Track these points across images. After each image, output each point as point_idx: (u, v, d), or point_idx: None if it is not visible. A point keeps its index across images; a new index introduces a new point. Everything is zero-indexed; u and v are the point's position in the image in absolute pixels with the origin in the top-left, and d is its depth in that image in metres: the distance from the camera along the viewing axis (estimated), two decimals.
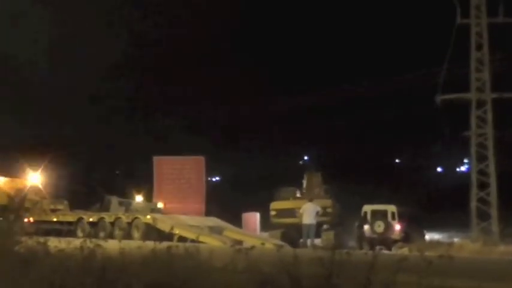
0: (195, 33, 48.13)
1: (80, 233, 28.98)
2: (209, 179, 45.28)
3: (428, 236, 35.65)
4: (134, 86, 53.98)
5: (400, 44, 51.78)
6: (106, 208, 32.20)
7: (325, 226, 31.76)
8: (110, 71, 49.70)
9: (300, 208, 29.38)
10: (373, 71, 47.99)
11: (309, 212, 27.96)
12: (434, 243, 27.76)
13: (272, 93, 53.31)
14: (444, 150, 46.52)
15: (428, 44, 45.83)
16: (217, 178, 60.27)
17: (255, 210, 36.40)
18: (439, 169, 60.12)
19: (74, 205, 33.90)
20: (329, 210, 32.60)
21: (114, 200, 32.80)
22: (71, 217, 31.70)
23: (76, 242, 11.31)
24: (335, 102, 47.71)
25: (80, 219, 31.00)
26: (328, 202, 32.94)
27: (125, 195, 34.59)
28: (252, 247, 10.04)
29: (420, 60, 44.08)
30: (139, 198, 34.34)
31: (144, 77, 53.14)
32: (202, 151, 38.71)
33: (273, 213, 33.93)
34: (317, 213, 28.21)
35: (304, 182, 35.12)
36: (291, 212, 32.64)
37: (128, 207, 32.24)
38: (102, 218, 30.25)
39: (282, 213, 33.30)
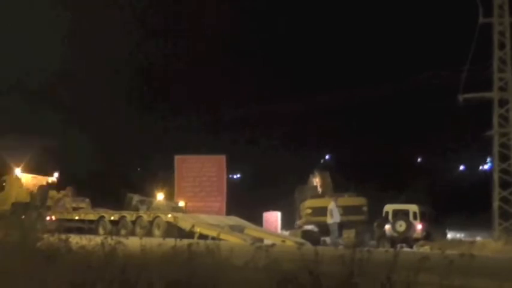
0: (214, 31, 48.17)
1: (101, 231, 29.13)
2: (230, 176, 45.25)
3: (450, 235, 35.48)
4: (155, 84, 54.17)
5: (423, 43, 51.44)
6: (127, 206, 32.38)
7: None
8: (129, 68, 49.99)
9: (338, 206, 29.40)
10: (396, 70, 47.84)
11: (335, 211, 28.00)
12: (456, 242, 27.61)
13: (295, 90, 53.30)
14: (466, 149, 46.23)
15: (451, 42, 45.51)
16: (238, 176, 60.21)
17: (276, 208, 36.39)
18: (461, 168, 59.75)
19: (95, 203, 34.09)
20: (364, 208, 32.56)
21: (136, 198, 32.94)
22: (92, 215, 31.88)
23: (97, 239, 11.35)
24: (357, 101, 47.55)
25: (102, 217, 31.18)
26: (363, 200, 32.89)
27: (147, 193, 34.72)
28: (273, 245, 10.05)
29: (442, 59, 43.84)
30: (160, 197, 34.45)
31: (165, 75, 53.23)
32: (223, 148, 38.79)
33: (308, 211, 33.65)
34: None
35: (316, 181, 34.98)
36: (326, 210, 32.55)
37: (149, 205, 32.38)
38: (123, 217, 30.42)
39: (318, 211, 33.06)
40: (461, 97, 34.14)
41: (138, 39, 49.92)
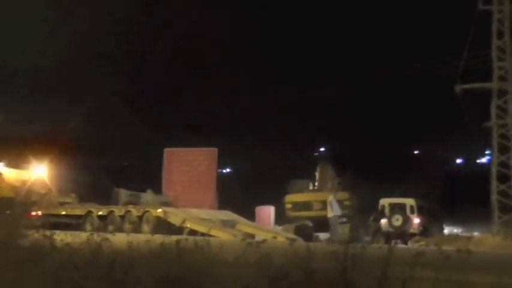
0: (200, 27, 48.30)
1: (88, 227, 29.05)
2: (220, 171, 45.26)
3: (447, 230, 35.56)
4: (143, 78, 54.09)
5: (419, 31, 51.34)
6: (116, 201, 32.30)
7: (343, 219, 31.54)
8: (117, 61, 49.95)
9: (317, 201, 29.50)
10: (391, 60, 47.76)
11: (335, 204, 28.13)
12: (453, 238, 27.69)
13: (288, 82, 53.19)
14: (464, 141, 46.32)
15: (448, 31, 45.44)
16: (229, 170, 60.18)
17: (269, 203, 36.42)
18: (459, 161, 59.91)
19: (82, 198, 34.00)
20: (347, 203, 32.60)
21: (124, 193, 32.87)
22: (79, 210, 31.81)
23: (83, 236, 11.34)
24: (351, 92, 47.54)
25: (89, 212, 31.10)
26: (345, 195, 32.93)
27: (134, 187, 34.65)
28: (264, 241, 10.06)
29: (440, 48, 43.82)
30: (149, 191, 34.39)
31: (151, 70, 53.21)
32: (214, 142, 38.68)
33: (288, 206, 33.96)
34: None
35: (317, 175, 35.13)
36: (306, 205, 32.69)
37: (137, 200, 32.31)
38: (111, 211, 30.34)
39: (297, 206, 33.32)
40: (458, 87, 34.13)
41: (131, 31, 49.96)
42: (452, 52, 35.99)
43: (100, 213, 30.70)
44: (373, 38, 53.22)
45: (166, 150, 37.32)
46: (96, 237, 10.61)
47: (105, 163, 48.06)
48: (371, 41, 53.08)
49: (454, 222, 38.01)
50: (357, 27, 53.54)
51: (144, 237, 11.27)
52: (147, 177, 38.78)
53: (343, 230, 30.23)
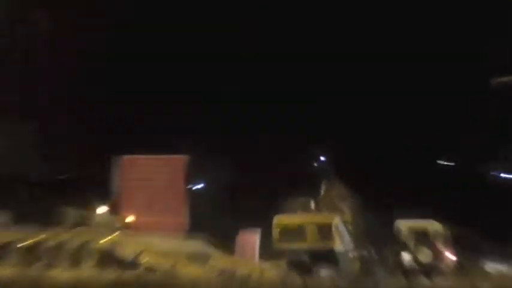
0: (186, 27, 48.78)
1: (14, 258, 28.24)
2: (192, 186, 45.04)
3: (487, 266, 34.95)
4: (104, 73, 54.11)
5: (444, 20, 51.47)
6: (59, 223, 31.75)
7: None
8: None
9: (316, 225, 29.23)
10: (411, 51, 47.87)
11: (343, 230, 27.83)
12: (498, 277, 27.01)
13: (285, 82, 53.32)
14: (500, 148, 46.32)
15: (478, 17, 45.49)
16: (201, 185, 59.92)
17: (256, 226, 35.87)
18: (495, 173, 59.92)
19: (19, 217, 33.40)
20: (348, 227, 32.34)
21: (71, 212, 32.37)
22: (5, 236, 30.98)
23: (5, 272, 10.77)
24: (360, 87, 47.49)
25: (17, 240, 30.26)
26: (348, 216, 32.71)
27: (82, 205, 34.20)
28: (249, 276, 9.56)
29: (468, 37, 43.82)
30: (101, 211, 33.92)
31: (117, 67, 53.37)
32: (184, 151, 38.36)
33: (275, 231, 33.15)
34: None
35: (322, 192, 34.94)
36: (300, 231, 32.11)
37: (87, 221, 31.88)
38: (42, 240, 29.54)
39: (288, 232, 32.65)
40: (495, 81, 34.02)
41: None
42: (485, 41, 35.99)
43: (28, 241, 29.89)
44: (394, 25, 53.36)
45: (124, 158, 36.92)
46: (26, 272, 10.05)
47: (47, 173, 47.81)
48: (391, 29, 53.19)
49: (493, 255, 37.59)
50: (375, 14, 53.77)
51: (89, 273, 10.74)
52: (101, 192, 38.33)
53: (352, 266, 29.70)
